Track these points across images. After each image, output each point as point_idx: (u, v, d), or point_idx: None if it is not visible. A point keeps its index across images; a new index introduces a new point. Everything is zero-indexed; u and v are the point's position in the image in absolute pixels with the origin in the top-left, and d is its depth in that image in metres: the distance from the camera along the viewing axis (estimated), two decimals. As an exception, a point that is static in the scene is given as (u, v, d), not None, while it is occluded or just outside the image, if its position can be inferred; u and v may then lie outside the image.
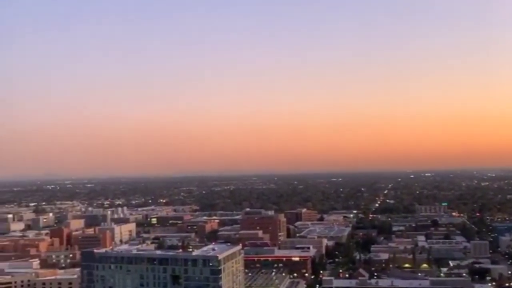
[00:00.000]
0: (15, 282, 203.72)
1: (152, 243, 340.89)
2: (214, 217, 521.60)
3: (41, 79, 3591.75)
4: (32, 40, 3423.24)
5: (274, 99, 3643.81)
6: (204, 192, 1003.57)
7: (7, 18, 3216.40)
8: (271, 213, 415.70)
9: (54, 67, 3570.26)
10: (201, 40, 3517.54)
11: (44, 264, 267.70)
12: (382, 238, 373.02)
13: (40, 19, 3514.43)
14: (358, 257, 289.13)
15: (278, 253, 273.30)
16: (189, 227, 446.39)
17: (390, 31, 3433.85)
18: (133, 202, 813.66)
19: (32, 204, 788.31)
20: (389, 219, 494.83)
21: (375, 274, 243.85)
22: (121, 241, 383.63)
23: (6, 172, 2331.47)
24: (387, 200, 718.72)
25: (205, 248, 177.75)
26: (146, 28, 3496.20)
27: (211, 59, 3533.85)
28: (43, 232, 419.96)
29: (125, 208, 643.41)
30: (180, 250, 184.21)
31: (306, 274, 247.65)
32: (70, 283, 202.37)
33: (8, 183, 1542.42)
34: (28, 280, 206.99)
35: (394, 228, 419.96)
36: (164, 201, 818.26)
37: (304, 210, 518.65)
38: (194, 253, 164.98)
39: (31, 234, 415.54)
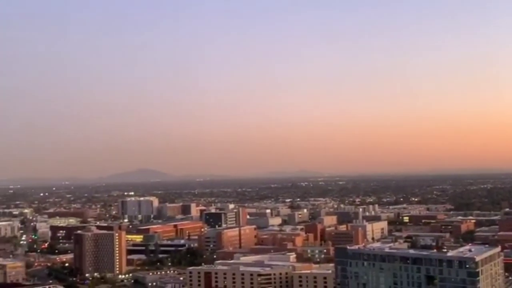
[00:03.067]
0: (274, 274, 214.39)
1: (404, 241, 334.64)
2: (470, 217, 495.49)
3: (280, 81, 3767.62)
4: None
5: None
6: (458, 190, 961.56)
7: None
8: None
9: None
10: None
11: (300, 258, 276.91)
12: None
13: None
14: None
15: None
16: (443, 227, 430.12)
17: None
18: (384, 200, 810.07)
19: (288, 200, 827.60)
20: None
21: None
22: (373, 238, 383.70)
23: (264, 170, 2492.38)
24: None
25: (461, 249, 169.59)
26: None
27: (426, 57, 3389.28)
28: (298, 227, 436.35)
29: (376, 205, 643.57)
30: (434, 250, 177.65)
31: None
32: (325, 278, 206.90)
33: (266, 180, 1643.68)
34: (286, 273, 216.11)
35: None
36: (416, 199, 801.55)
37: None
38: (449, 254, 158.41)
39: (287, 228, 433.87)
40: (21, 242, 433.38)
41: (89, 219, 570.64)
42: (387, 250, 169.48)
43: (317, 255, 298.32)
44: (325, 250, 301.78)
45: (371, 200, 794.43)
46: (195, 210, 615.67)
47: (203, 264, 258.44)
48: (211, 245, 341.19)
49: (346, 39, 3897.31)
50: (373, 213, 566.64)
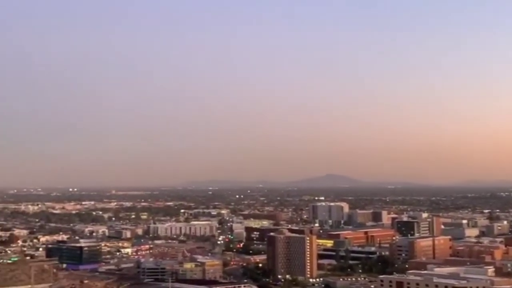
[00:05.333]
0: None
1: None
2: None
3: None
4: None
5: None
6: None
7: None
8: None
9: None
10: None
11: (499, 272, 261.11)
12: None
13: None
14: None
15: None
16: None
17: None
18: None
19: (486, 210, 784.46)
20: None
21: None
22: None
23: (460, 179, 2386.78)
24: None
25: None
26: None
27: None
28: (498, 239, 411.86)
29: None
30: None
31: None
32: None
33: (462, 189, 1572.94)
34: (483, 287, 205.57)
35: None
36: None
37: None
38: None
39: (485, 240, 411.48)
40: (219, 241, 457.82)
41: (281, 222, 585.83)
42: None
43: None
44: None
45: None
46: (386, 218, 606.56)
47: (394, 273, 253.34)
48: (403, 254, 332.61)
49: None
50: None
